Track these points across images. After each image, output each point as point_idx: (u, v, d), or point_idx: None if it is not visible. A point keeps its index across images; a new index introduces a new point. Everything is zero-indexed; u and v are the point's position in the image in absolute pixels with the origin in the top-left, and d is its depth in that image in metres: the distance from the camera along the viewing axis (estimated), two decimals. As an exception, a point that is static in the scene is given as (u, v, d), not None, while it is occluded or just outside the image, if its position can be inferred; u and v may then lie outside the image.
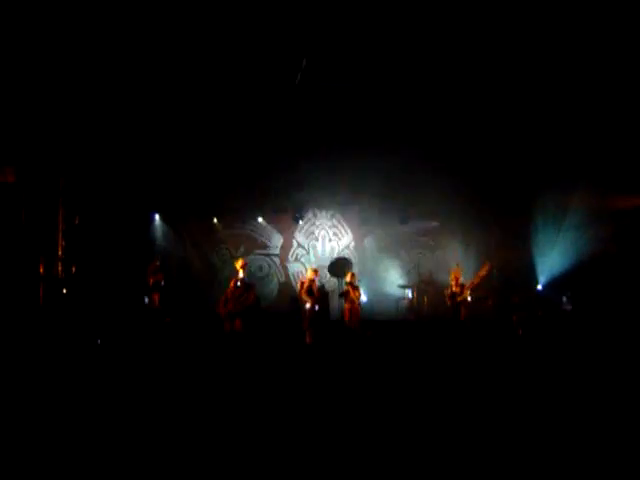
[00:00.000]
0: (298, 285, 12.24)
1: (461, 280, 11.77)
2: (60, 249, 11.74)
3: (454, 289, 11.69)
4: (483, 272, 11.78)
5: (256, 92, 11.72)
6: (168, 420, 5.81)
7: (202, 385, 7.52)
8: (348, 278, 11.90)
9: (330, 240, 16.06)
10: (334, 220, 16.13)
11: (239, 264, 11.52)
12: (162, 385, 7.46)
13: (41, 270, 11.25)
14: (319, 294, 11.69)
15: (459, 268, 12.09)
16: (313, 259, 15.92)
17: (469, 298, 11.73)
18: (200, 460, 4.73)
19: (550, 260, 13.60)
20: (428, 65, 10.37)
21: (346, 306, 11.69)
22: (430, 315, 13.68)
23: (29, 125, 10.72)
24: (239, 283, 11.25)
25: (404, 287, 14.85)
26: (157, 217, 15.25)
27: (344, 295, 11.80)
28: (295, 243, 16.07)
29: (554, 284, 13.33)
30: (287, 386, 7.55)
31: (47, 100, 10.49)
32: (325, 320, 11.89)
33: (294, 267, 15.98)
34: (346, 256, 15.79)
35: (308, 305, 11.40)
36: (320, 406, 6.43)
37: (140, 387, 7.37)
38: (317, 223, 16.11)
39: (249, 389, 7.31)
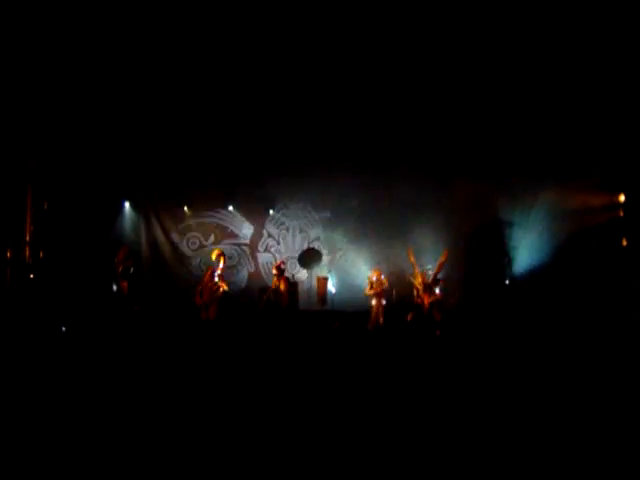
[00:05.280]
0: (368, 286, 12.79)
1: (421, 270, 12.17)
2: (28, 234, 11.54)
3: (418, 285, 11.93)
4: (442, 259, 12.06)
5: (228, 81, 11.69)
6: (139, 409, 5.78)
7: (174, 373, 7.51)
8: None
9: (301, 231, 16.08)
10: (305, 210, 16.13)
11: (214, 255, 11.59)
12: (130, 373, 7.44)
13: (8, 254, 11.06)
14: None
15: (411, 250, 12.40)
16: (283, 250, 15.95)
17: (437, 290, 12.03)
18: (179, 447, 4.74)
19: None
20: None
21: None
22: (399, 307, 13.81)
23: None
24: (218, 272, 11.34)
25: (374, 278, 14.96)
26: (127, 204, 15.08)
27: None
28: (265, 233, 16.06)
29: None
30: (267, 373, 7.62)
31: (18, 84, 10.30)
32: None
33: (264, 257, 15.98)
34: (316, 247, 15.82)
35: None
36: (297, 394, 6.50)
37: (108, 375, 7.32)
38: (288, 213, 16.11)
39: (227, 379, 7.34)
